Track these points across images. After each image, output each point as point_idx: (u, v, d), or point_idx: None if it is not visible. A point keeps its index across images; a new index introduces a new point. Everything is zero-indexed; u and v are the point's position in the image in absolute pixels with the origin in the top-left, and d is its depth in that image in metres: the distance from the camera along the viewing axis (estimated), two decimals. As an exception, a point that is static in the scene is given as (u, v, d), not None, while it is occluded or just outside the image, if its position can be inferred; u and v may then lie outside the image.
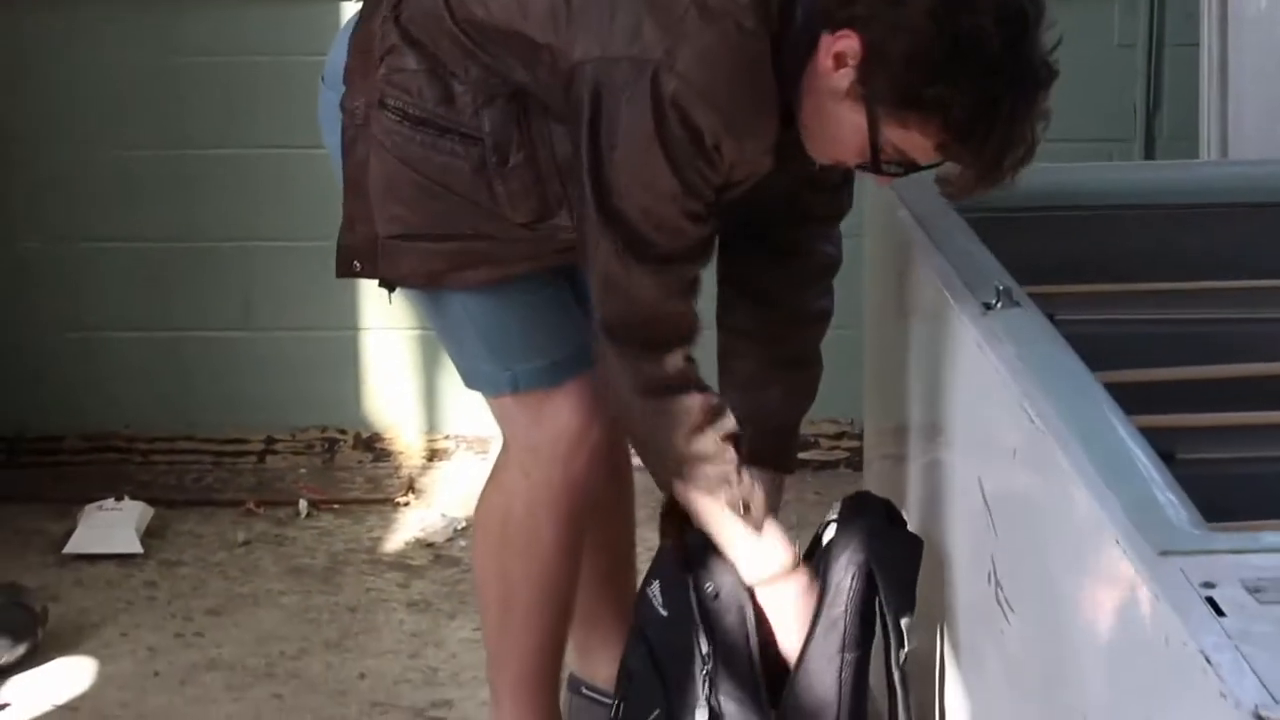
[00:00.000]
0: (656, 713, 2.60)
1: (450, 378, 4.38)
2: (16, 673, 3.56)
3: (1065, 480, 2.02)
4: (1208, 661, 1.58)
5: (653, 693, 2.61)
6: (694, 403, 2.50)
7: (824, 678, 2.58)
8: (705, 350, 2.63)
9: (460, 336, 2.75)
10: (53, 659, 3.63)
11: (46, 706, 3.46)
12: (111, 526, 4.09)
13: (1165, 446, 2.26)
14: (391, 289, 2.69)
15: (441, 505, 4.33)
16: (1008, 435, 2.27)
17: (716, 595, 2.58)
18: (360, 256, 2.64)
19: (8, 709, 3.44)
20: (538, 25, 2.45)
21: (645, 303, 2.45)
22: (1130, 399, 2.27)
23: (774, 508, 2.65)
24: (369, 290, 4.30)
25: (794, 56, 2.36)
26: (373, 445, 4.53)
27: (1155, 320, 2.96)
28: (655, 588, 2.66)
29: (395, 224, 2.60)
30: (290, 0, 4.32)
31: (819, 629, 2.57)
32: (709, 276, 2.61)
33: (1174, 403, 2.58)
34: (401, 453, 4.52)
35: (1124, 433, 2.10)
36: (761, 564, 2.58)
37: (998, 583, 2.30)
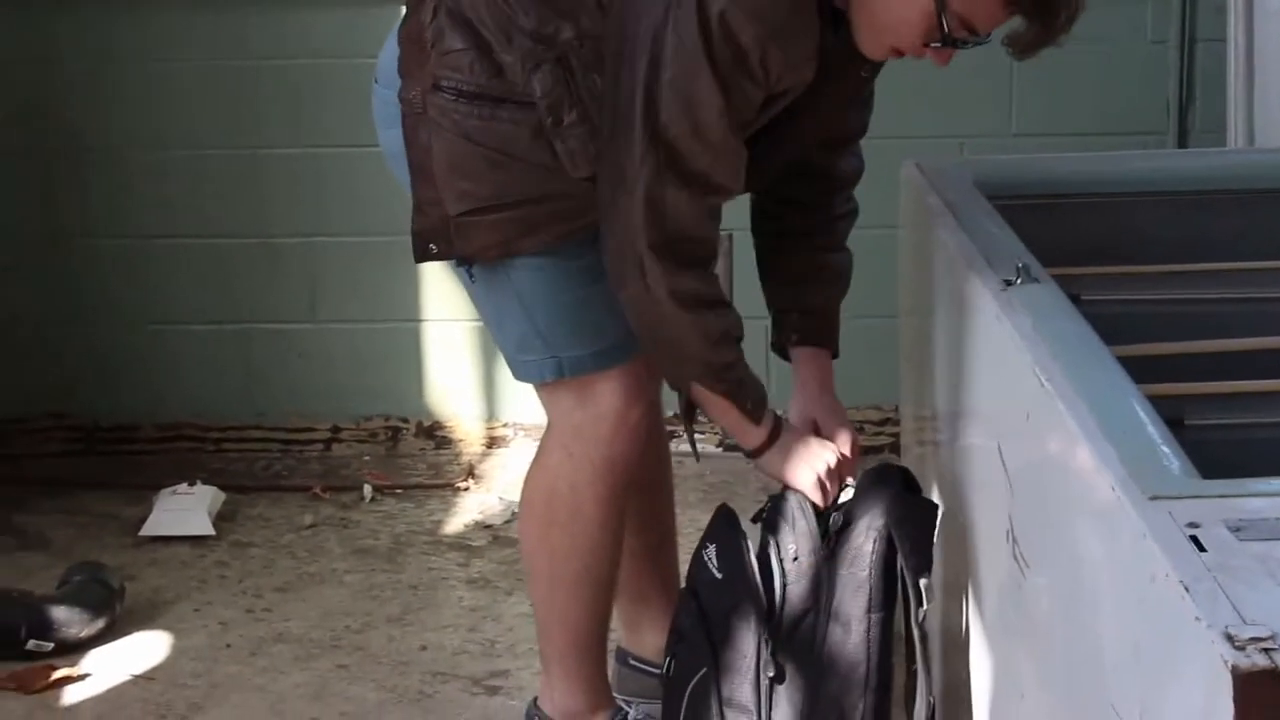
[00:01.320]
0: (704, 671, 2.75)
1: (502, 369, 4.57)
2: (96, 645, 3.72)
3: (1071, 438, 2.16)
4: (1186, 590, 1.71)
5: (701, 653, 2.76)
6: (722, 316, 2.70)
7: (854, 638, 2.73)
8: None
9: (506, 319, 2.88)
10: (130, 633, 3.78)
11: (124, 676, 3.62)
12: (185, 510, 4.26)
13: (1174, 413, 2.40)
14: (469, 266, 2.83)
15: (500, 489, 4.48)
16: (1022, 401, 2.41)
17: (796, 558, 2.73)
18: (435, 239, 2.79)
19: (88, 679, 3.60)
20: None
21: (684, 223, 2.60)
22: (1143, 370, 2.42)
23: (828, 387, 2.93)
24: (430, 283, 4.53)
25: None
26: (434, 433, 4.68)
27: (1176, 300, 3.08)
28: (711, 551, 2.81)
29: (465, 200, 2.75)
30: (356, 5, 4.47)
31: (845, 591, 2.72)
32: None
33: (1187, 374, 2.72)
34: (461, 440, 4.67)
35: (1129, 395, 2.24)
36: (761, 434, 2.81)
37: (1015, 540, 2.44)
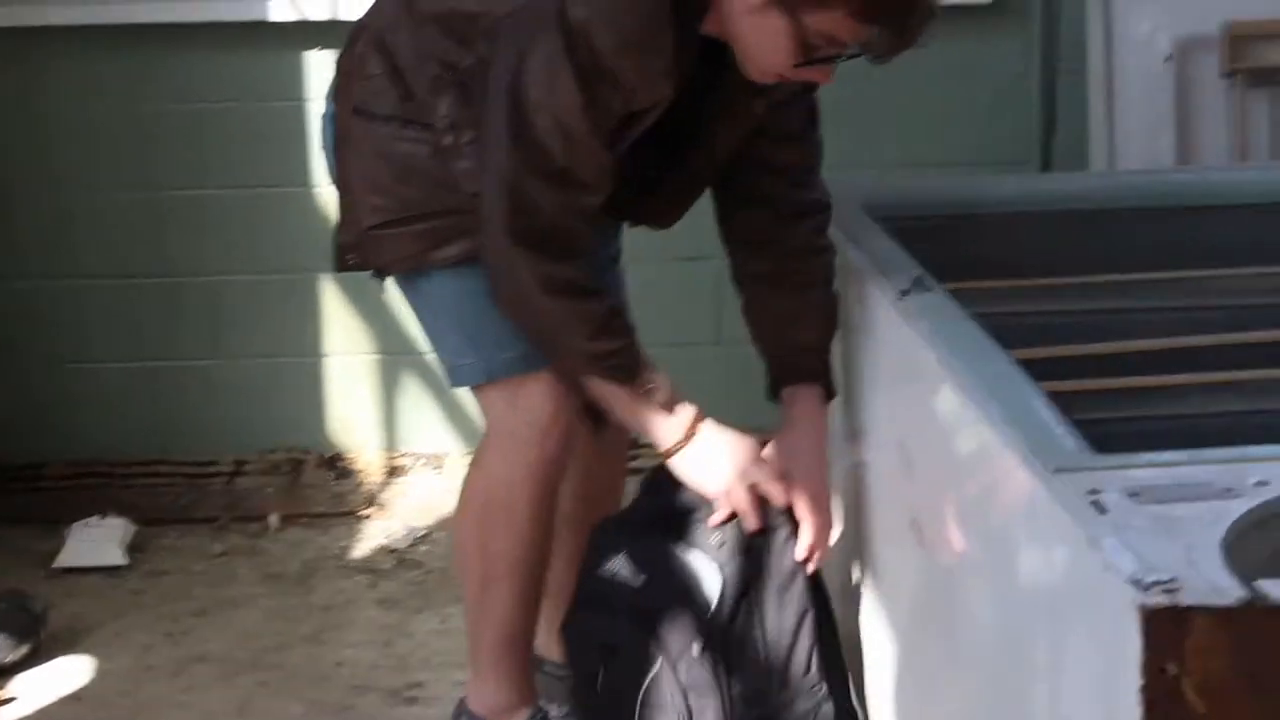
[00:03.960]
0: (656, 667, 2.84)
1: (406, 399, 4.73)
2: (21, 670, 3.84)
3: (976, 426, 2.36)
4: (1094, 547, 1.92)
5: (645, 653, 2.85)
6: (596, 305, 2.83)
7: (793, 642, 2.87)
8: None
9: (440, 328, 3.07)
10: (54, 658, 3.90)
11: (52, 698, 3.74)
12: (97, 541, 4.38)
13: (1063, 408, 2.61)
14: (382, 277, 3.04)
15: (402, 516, 4.64)
16: (925, 397, 2.62)
17: (722, 543, 2.85)
18: (352, 250, 3.02)
19: (15, 702, 3.71)
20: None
21: (547, 213, 2.75)
22: (1032, 370, 2.62)
23: (812, 430, 2.98)
24: (330, 318, 4.67)
25: None
26: (335, 464, 4.80)
27: (1052, 310, 3.30)
28: (612, 567, 2.92)
29: (376, 214, 2.96)
30: (257, 49, 4.62)
31: (773, 605, 2.86)
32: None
33: (1071, 374, 2.93)
34: (362, 470, 4.80)
35: (1025, 385, 2.45)
36: (675, 428, 2.87)
37: (920, 528, 2.65)
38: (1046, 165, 4.63)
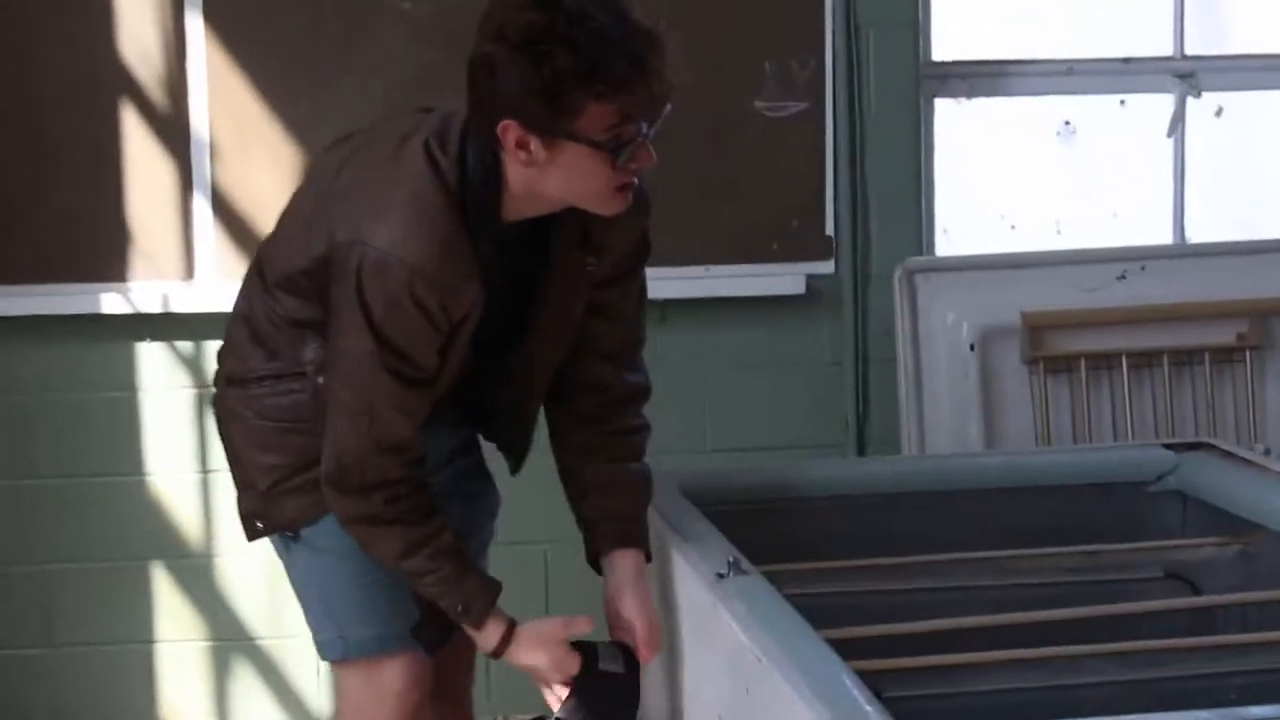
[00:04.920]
0: None
1: (239, 686, 4.76)
2: None
3: (791, 705, 2.47)
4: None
5: None
6: (395, 533, 2.93)
7: None
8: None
9: (307, 598, 3.15)
10: None
11: None
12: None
13: (873, 687, 2.72)
14: (294, 535, 3.08)
15: (233, 802, 4.64)
16: (741, 677, 2.72)
17: None
18: (258, 516, 3.09)
19: None
20: (299, 256, 2.93)
21: (349, 455, 2.89)
22: (844, 649, 2.74)
23: (637, 580, 3.10)
24: (161, 605, 4.70)
25: (488, 188, 2.81)
26: (166, 751, 4.82)
27: (866, 591, 3.44)
28: None
29: (272, 473, 3.05)
30: (79, 341, 4.70)
31: None
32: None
33: (882, 654, 3.04)
34: (195, 757, 4.81)
35: (837, 667, 2.56)
36: (490, 640, 3.00)
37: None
38: (861, 450, 4.81)
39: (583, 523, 3.16)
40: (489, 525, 3.31)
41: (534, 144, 2.73)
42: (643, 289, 3.13)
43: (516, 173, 2.80)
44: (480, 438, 3.27)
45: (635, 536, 3.13)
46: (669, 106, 2.76)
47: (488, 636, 3.00)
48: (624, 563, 3.10)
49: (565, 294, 2.99)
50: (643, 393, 3.18)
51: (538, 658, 3.00)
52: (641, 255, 3.07)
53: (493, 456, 3.27)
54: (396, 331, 2.82)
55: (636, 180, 2.83)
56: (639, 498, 3.16)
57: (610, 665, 3.02)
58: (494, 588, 3.01)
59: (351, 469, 2.90)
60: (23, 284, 4.66)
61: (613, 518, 3.13)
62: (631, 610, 3.06)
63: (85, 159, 4.64)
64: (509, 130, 2.72)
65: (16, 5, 4.60)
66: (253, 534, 3.12)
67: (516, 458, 3.21)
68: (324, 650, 3.14)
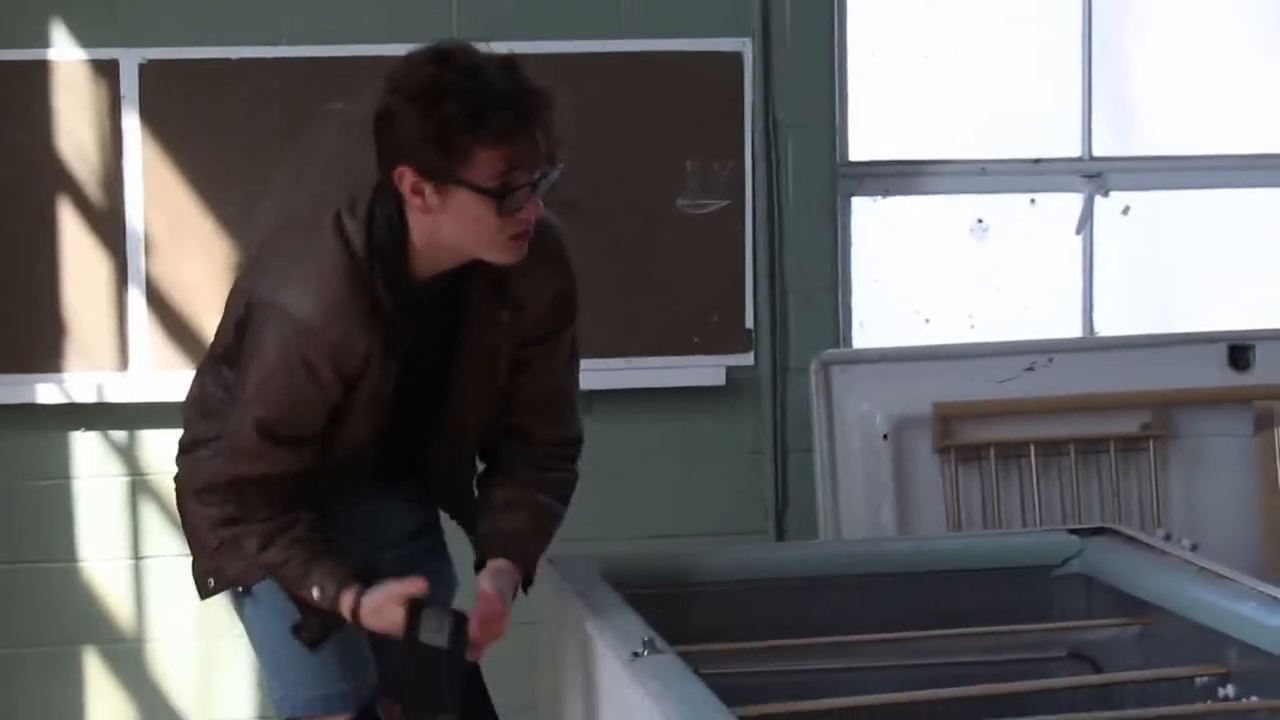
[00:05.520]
0: None
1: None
2: None
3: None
4: None
5: None
6: (254, 530, 3.03)
7: None
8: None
9: (262, 656, 3.23)
10: None
11: None
12: None
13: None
14: (247, 590, 3.16)
15: None
16: (656, 754, 2.81)
17: None
18: (210, 574, 3.17)
19: None
20: (230, 326, 3.06)
21: (218, 472, 3.04)
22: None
23: (503, 574, 3.12)
24: (93, 690, 4.75)
25: (394, 244, 2.93)
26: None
27: (782, 670, 3.53)
28: None
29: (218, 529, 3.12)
30: (23, 429, 4.79)
31: None
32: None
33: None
34: None
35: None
36: (345, 611, 3.02)
37: None
38: (780, 535, 4.93)
39: (476, 535, 3.20)
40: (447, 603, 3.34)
41: (427, 190, 2.86)
42: (573, 350, 3.21)
43: (418, 224, 2.92)
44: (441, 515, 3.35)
45: (519, 554, 3.16)
46: (559, 166, 2.89)
47: (344, 609, 3.02)
48: (503, 565, 3.12)
49: (483, 348, 3.07)
50: (568, 442, 3.25)
51: (377, 620, 3.01)
52: (565, 316, 3.14)
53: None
54: (281, 387, 2.94)
55: (532, 231, 2.93)
56: (540, 527, 3.19)
57: (429, 637, 2.99)
58: (341, 569, 3.04)
59: (218, 488, 3.04)
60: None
61: (508, 535, 3.16)
62: (486, 585, 3.08)
63: (22, 252, 4.74)
64: (404, 176, 2.86)
65: (-45, 102, 4.70)
66: (204, 592, 3.20)
67: (468, 526, 3.26)
68: (277, 708, 3.21)
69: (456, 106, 2.80)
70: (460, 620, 3.00)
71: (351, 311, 2.93)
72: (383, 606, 3.00)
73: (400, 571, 3.07)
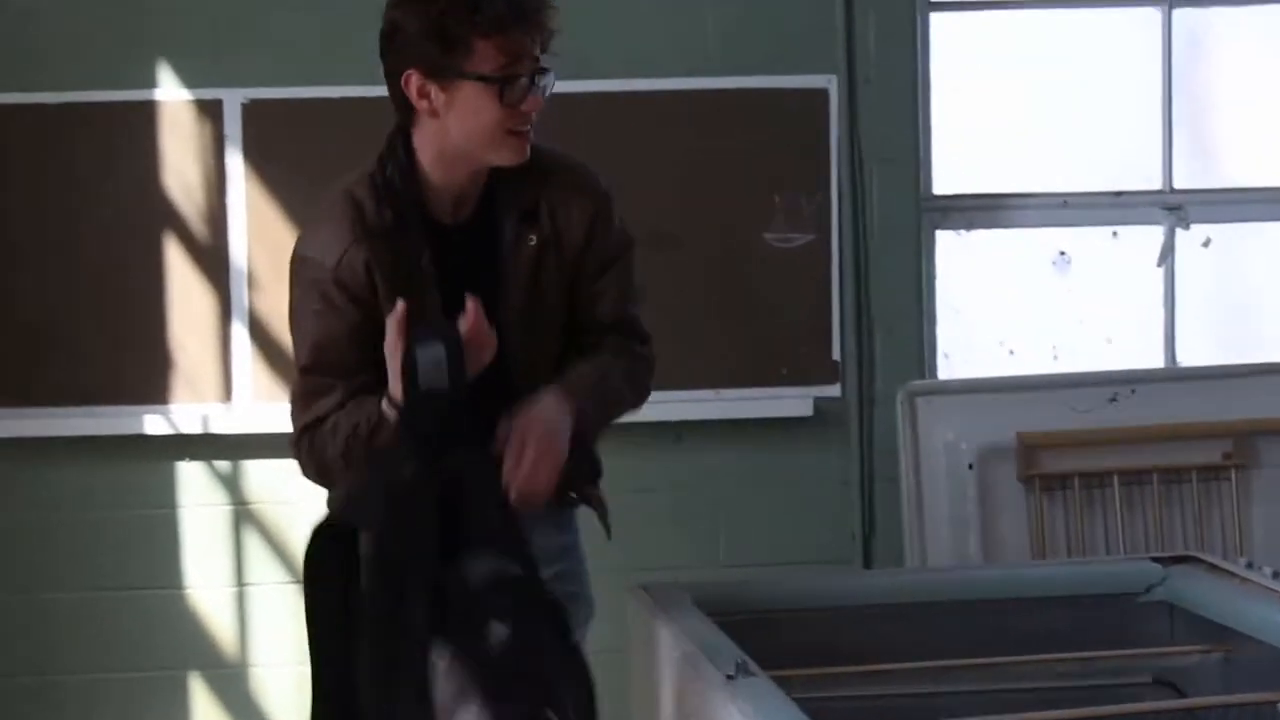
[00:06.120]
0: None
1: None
2: None
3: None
4: None
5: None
6: (331, 427, 3.07)
7: None
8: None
9: None
10: None
11: None
12: None
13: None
14: None
15: None
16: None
17: None
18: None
19: None
20: None
21: (294, 429, 3.11)
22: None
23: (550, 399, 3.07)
24: (204, 715, 4.84)
25: (406, 172, 3.07)
26: None
27: (871, 695, 3.58)
28: None
29: None
30: (131, 460, 4.91)
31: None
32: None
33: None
34: None
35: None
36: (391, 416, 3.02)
37: None
38: (867, 563, 5.00)
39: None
40: (580, 631, 3.39)
41: (433, 91, 2.99)
42: (632, 281, 3.23)
43: (426, 139, 3.05)
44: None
45: (569, 381, 3.12)
46: (553, 76, 3.00)
47: (386, 405, 3.00)
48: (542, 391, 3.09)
49: (527, 287, 3.12)
50: (639, 341, 3.25)
51: (395, 382, 2.98)
52: (611, 243, 3.19)
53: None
54: (308, 326, 3.08)
55: (533, 132, 3.04)
56: (602, 372, 3.17)
57: (429, 380, 2.92)
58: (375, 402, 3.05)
59: (298, 444, 3.11)
60: (65, 406, 4.89)
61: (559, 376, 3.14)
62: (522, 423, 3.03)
63: (130, 287, 4.88)
64: (410, 80, 3.00)
65: (66, 138, 4.85)
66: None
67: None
68: None
69: (452, 1, 2.94)
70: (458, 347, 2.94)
71: (346, 235, 3.06)
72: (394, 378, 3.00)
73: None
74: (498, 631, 2.88)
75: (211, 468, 4.92)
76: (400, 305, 2.96)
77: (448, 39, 2.96)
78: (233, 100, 4.88)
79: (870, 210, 5.07)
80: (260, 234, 4.85)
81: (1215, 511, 4.72)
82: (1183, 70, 5.35)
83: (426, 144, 3.07)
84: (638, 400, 3.28)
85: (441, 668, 2.86)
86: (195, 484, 4.92)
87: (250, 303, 4.86)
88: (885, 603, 3.82)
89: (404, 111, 3.07)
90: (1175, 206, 5.32)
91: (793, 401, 5.03)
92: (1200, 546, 4.58)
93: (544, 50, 3.01)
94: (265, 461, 4.77)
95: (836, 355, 5.04)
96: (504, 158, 3.07)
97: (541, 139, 3.07)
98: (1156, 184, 5.34)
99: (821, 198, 5.02)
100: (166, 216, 4.88)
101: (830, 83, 5.02)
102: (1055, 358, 5.34)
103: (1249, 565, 4.35)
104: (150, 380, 4.87)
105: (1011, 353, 5.34)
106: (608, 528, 3.24)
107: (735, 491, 4.96)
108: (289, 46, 4.92)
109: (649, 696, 3.62)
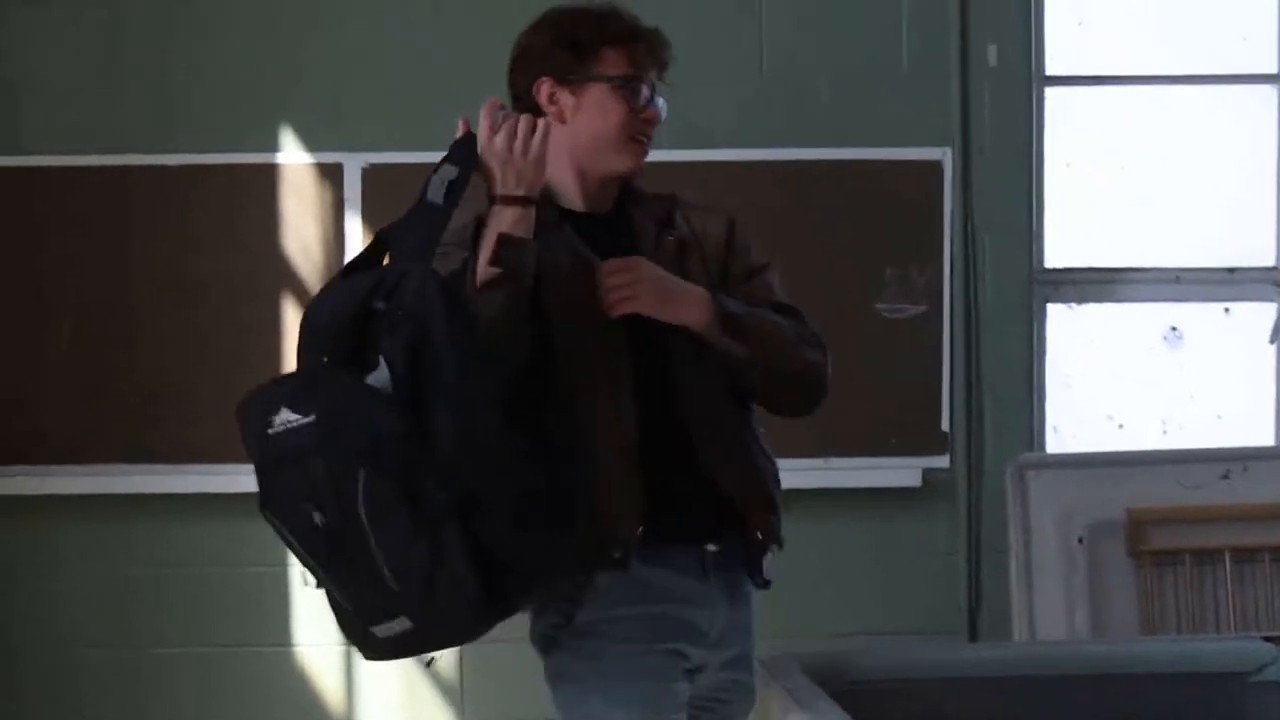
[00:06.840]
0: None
1: None
2: None
3: None
4: None
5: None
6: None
7: None
8: None
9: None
10: None
11: None
12: None
13: None
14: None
15: None
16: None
17: None
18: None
19: None
20: None
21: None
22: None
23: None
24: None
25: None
26: None
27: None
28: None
29: None
30: (232, 517, 4.94)
31: None
32: None
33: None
34: None
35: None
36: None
37: None
38: (974, 635, 5.01)
39: None
40: None
41: (563, 95, 3.10)
42: (781, 288, 3.25)
43: (554, 148, 3.01)
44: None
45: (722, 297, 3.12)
46: (666, 99, 3.10)
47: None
48: None
49: (666, 266, 3.10)
50: (812, 333, 3.27)
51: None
52: (752, 252, 3.22)
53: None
54: None
55: (649, 143, 3.12)
56: (750, 309, 3.15)
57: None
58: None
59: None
60: (182, 463, 4.97)
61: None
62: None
63: (249, 346, 4.95)
64: (542, 88, 3.10)
65: (188, 200, 4.94)
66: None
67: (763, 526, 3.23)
68: None
69: (580, 18, 3.11)
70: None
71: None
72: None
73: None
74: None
75: (324, 526, 4.96)
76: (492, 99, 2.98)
77: (578, 46, 3.10)
78: (353, 164, 4.96)
79: (982, 282, 5.09)
80: (376, 296, 4.90)
81: (1327, 591, 4.71)
82: (1296, 146, 5.35)
83: (555, 153, 3.08)
84: (803, 363, 3.26)
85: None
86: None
87: (365, 363, 4.91)
88: (992, 675, 3.84)
89: None
90: (1289, 283, 5.31)
91: (902, 472, 5.05)
92: (1312, 626, 4.57)
93: (660, 78, 3.15)
94: (376, 521, 4.82)
95: (946, 426, 5.06)
96: (625, 163, 3.15)
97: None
98: (1270, 260, 5.34)
99: (933, 269, 5.05)
100: (286, 278, 4.96)
101: (945, 155, 5.05)
102: (1165, 433, 5.33)
103: (1361, 646, 4.34)
104: (265, 439, 4.93)
105: (1121, 427, 5.33)
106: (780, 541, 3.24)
107: (843, 560, 4.98)
108: (408, 112, 4.99)
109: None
